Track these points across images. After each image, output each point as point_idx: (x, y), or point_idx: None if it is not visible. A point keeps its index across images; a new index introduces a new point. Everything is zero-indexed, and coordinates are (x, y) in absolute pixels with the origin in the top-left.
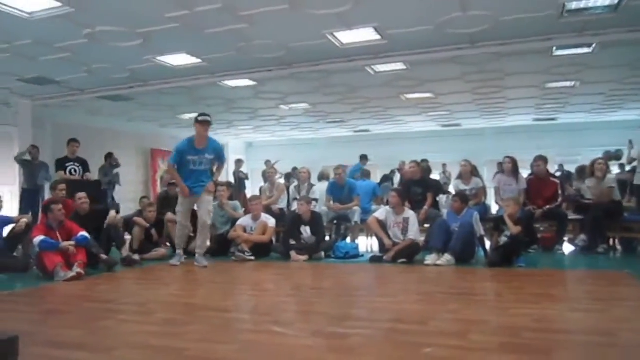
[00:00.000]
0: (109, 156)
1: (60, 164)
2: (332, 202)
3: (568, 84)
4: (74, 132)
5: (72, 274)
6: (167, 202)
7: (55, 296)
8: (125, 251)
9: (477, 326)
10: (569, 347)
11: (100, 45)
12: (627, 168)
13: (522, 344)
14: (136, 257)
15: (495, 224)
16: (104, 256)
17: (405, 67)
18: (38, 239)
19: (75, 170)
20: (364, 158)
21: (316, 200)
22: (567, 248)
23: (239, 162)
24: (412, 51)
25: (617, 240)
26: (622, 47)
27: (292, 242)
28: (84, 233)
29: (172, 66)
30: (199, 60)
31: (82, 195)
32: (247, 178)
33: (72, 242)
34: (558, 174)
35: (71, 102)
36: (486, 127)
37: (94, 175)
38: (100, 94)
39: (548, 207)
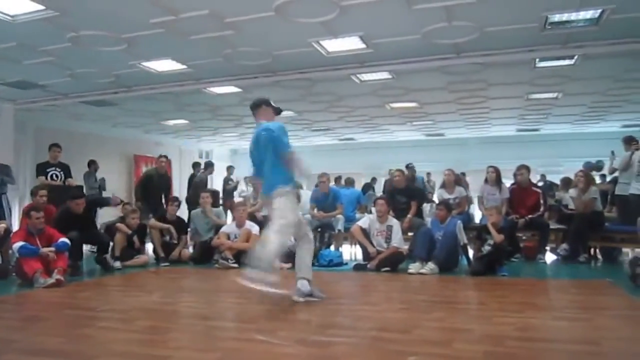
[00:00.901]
0: (92, 163)
1: (42, 169)
2: (315, 210)
3: (551, 95)
4: (57, 137)
5: (51, 280)
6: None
7: (34, 303)
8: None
9: (461, 335)
10: (553, 355)
11: (84, 49)
12: (608, 178)
13: (506, 352)
14: (117, 264)
15: (478, 233)
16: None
17: (390, 77)
18: (17, 244)
19: (56, 176)
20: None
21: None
22: (549, 257)
23: (229, 169)
24: (397, 60)
25: (598, 250)
26: (604, 60)
27: None
28: (65, 239)
29: (157, 72)
30: (184, 67)
31: (79, 202)
32: (235, 188)
33: (52, 249)
34: (540, 184)
35: (54, 107)
36: (470, 137)
37: (78, 182)
38: (84, 99)
39: (530, 216)
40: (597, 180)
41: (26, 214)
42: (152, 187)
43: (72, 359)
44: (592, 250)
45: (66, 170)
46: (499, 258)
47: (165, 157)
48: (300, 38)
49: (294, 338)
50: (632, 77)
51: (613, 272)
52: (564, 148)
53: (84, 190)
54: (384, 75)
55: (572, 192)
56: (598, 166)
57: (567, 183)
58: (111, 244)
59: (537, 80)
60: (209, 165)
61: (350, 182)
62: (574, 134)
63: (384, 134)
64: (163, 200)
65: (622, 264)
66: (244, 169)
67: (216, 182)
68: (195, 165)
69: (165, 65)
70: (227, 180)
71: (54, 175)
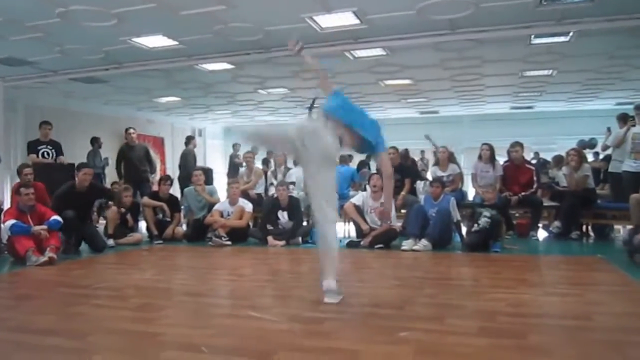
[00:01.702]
0: (96, 140)
1: (33, 147)
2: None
3: (545, 72)
4: (47, 115)
5: (44, 258)
6: None
7: (27, 281)
8: None
9: (454, 310)
10: (544, 330)
11: (73, 25)
12: (601, 156)
13: (498, 327)
14: (111, 242)
15: (472, 212)
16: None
17: (384, 53)
18: (9, 223)
19: (47, 154)
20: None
21: (293, 183)
22: (542, 234)
23: (236, 146)
24: (391, 36)
25: (590, 227)
26: (598, 37)
27: (270, 227)
28: (57, 217)
29: (148, 48)
30: (175, 43)
31: (87, 171)
32: (241, 165)
33: (44, 227)
34: (534, 161)
35: (44, 84)
36: (464, 114)
37: (78, 158)
38: (74, 76)
39: (523, 193)
40: (590, 157)
41: (16, 191)
42: (127, 162)
43: (65, 337)
44: (584, 227)
45: (57, 148)
46: (494, 233)
47: (133, 129)
48: (293, 13)
49: (287, 314)
50: (626, 54)
51: (605, 249)
52: (557, 126)
53: None
54: (378, 51)
55: (565, 169)
56: (591, 144)
57: (559, 161)
58: (104, 222)
59: (531, 57)
60: (191, 139)
61: (344, 160)
62: (568, 111)
63: (377, 111)
64: (150, 172)
65: (613, 240)
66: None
67: (211, 158)
68: (189, 139)
69: (156, 41)
70: (233, 157)
71: (45, 153)
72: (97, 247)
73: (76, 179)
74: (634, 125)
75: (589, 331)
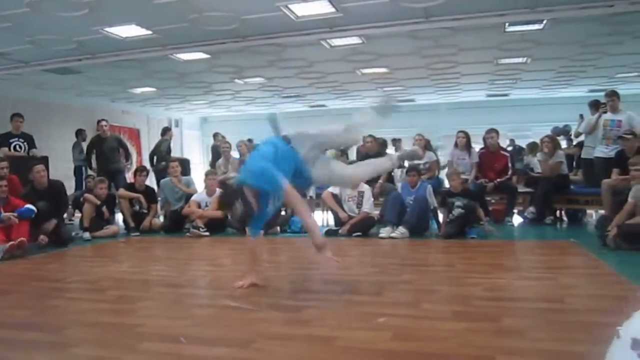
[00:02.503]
0: (80, 132)
1: (4, 140)
2: None
3: (520, 60)
4: (19, 107)
5: (10, 243)
6: None
7: (0, 276)
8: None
9: (430, 296)
10: (518, 313)
11: (43, 15)
12: (574, 142)
13: (473, 311)
14: (86, 235)
15: (443, 198)
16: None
17: (360, 42)
18: None
19: (20, 146)
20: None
21: None
22: (517, 220)
23: (217, 136)
24: (367, 25)
25: (563, 212)
26: (572, 24)
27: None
28: (30, 206)
29: (121, 38)
30: (149, 32)
31: (40, 167)
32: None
33: (15, 214)
34: (509, 148)
35: (15, 75)
36: (441, 102)
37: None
38: (46, 67)
39: (499, 180)
40: (564, 144)
41: None
42: (99, 153)
43: (41, 331)
44: (557, 213)
45: (29, 141)
46: (468, 220)
47: (105, 121)
48: (269, 2)
49: (266, 303)
50: (598, 42)
51: (577, 233)
52: (532, 113)
53: (72, 162)
54: (354, 40)
55: (539, 156)
56: (565, 130)
57: (533, 148)
58: (79, 215)
59: (506, 45)
60: (167, 130)
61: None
62: (542, 99)
63: (354, 100)
64: (125, 160)
65: (586, 225)
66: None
67: (189, 149)
68: (165, 130)
69: (129, 30)
70: (218, 147)
71: (17, 146)
72: (61, 241)
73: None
74: (605, 112)
75: (561, 313)
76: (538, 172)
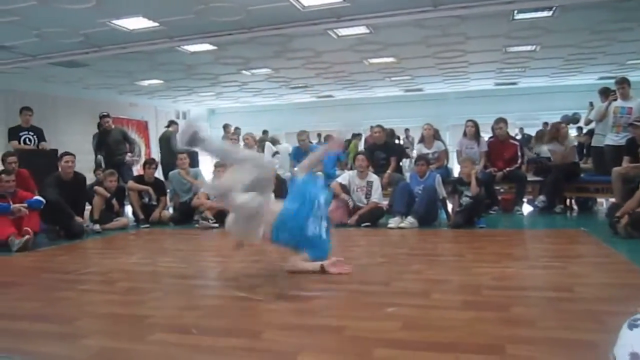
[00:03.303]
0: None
1: (14, 134)
2: (295, 168)
3: (528, 48)
4: (27, 100)
5: (23, 240)
6: None
7: (11, 268)
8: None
9: (439, 285)
10: (528, 302)
11: (50, 8)
12: (584, 130)
13: (482, 301)
14: (97, 227)
15: (453, 187)
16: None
17: (368, 31)
18: None
19: (29, 140)
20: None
21: (278, 152)
22: (526, 209)
23: (227, 127)
24: (374, 14)
25: (573, 200)
26: (581, 11)
27: None
28: (39, 197)
29: (128, 30)
30: (156, 24)
31: (69, 157)
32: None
33: (25, 204)
34: (518, 137)
35: (22, 69)
36: (449, 91)
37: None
38: (53, 60)
39: (508, 169)
40: (574, 132)
41: None
42: (105, 146)
43: (52, 323)
44: (567, 201)
45: (39, 134)
46: (477, 210)
47: (108, 115)
48: None
49: (275, 294)
50: (608, 28)
51: (588, 222)
52: (541, 101)
53: (85, 154)
54: (361, 29)
55: (552, 145)
56: (575, 118)
57: (541, 136)
58: (89, 207)
59: (515, 32)
60: (172, 123)
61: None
62: (552, 87)
63: (362, 90)
64: (130, 152)
65: (596, 213)
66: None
67: None
68: (171, 123)
69: (136, 23)
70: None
71: (27, 139)
72: (73, 234)
73: (59, 167)
74: (615, 99)
75: (570, 302)
76: (549, 160)
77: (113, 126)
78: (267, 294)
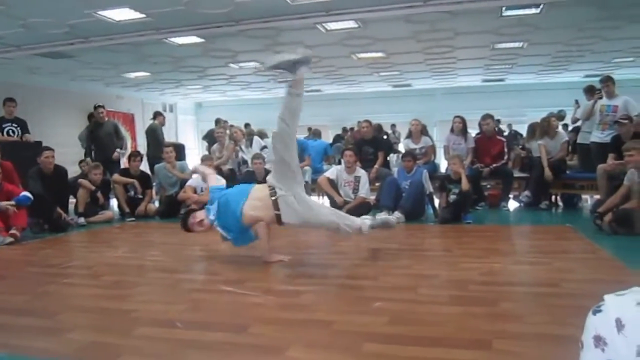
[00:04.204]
0: (92, 116)
1: None
2: None
3: (516, 44)
4: (11, 91)
5: (10, 239)
6: None
7: None
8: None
9: (427, 280)
10: (515, 297)
11: None
12: (570, 128)
13: (469, 296)
14: (81, 220)
15: (441, 184)
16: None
17: (356, 25)
18: None
19: (13, 131)
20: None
21: (266, 147)
22: (512, 205)
23: (219, 122)
24: (363, 8)
25: (558, 197)
26: (569, 8)
27: None
28: (26, 193)
29: (115, 21)
30: (142, 15)
31: (49, 153)
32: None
33: (12, 202)
34: (505, 133)
35: (7, 60)
36: (437, 87)
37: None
38: (39, 51)
39: (495, 165)
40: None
41: None
42: (97, 139)
43: (37, 316)
44: (553, 197)
45: (23, 126)
46: (464, 205)
47: (102, 106)
48: None
49: (262, 288)
50: (594, 26)
51: (573, 218)
52: (528, 98)
53: (69, 147)
54: (350, 24)
55: (543, 140)
56: (560, 115)
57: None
58: (74, 200)
59: (503, 29)
60: (158, 115)
61: (317, 134)
62: (538, 84)
63: (350, 85)
64: (120, 147)
65: (581, 210)
66: (209, 123)
67: (183, 134)
68: (156, 115)
69: (123, 14)
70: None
71: (10, 131)
72: (58, 227)
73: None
74: (601, 98)
75: (556, 297)
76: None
77: (106, 118)
78: (254, 288)
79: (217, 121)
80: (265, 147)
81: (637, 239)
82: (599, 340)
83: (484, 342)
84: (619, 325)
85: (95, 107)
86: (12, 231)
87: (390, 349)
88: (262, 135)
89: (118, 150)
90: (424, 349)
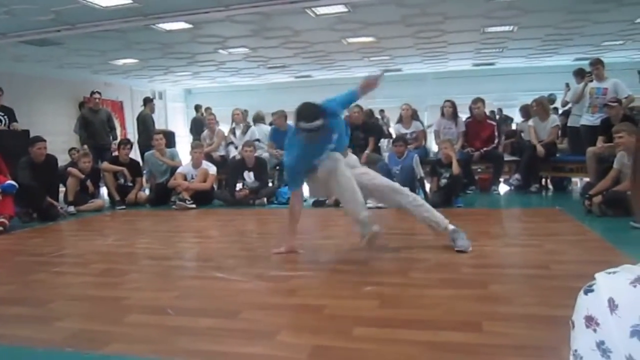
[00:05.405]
0: (83, 105)
1: None
2: (274, 149)
3: (506, 28)
4: None
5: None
6: None
7: None
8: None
9: (417, 264)
10: (505, 280)
11: None
12: (560, 111)
13: (459, 279)
14: (71, 209)
15: (432, 167)
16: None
17: (346, 10)
18: None
19: (0, 120)
20: None
21: (258, 140)
22: (503, 188)
23: (199, 108)
24: None
25: (548, 180)
26: None
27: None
28: (11, 181)
29: (102, 7)
30: (129, 1)
31: (41, 144)
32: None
33: None
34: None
35: None
36: (427, 72)
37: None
38: (24, 38)
39: (485, 149)
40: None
41: None
42: (90, 127)
43: (27, 305)
44: (543, 180)
45: (10, 114)
46: (455, 189)
47: (99, 92)
48: None
49: (252, 274)
50: (584, 9)
51: (563, 201)
52: (518, 82)
53: (58, 136)
54: (340, 8)
55: (532, 122)
56: (550, 99)
57: (527, 112)
58: (63, 189)
59: (493, 12)
60: (148, 101)
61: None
62: (529, 67)
63: (340, 70)
64: (112, 138)
65: (571, 192)
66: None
67: (173, 121)
68: (146, 101)
69: (109, 0)
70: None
71: None
72: (48, 216)
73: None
74: (591, 81)
75: (546, 279)
76: (528, 140)
77: (101, 106)
78: (245, 274)
79: (197, 108)
80: (258, 139)
81: (625, 221)
82: (590, 321)
83: (474, 324)
84: (612, 305)
85: (92, 93)
86: (1, 219)
87: (381, 332)
88: (260, 118)
89: (114, 142)
90: (414, 331)
